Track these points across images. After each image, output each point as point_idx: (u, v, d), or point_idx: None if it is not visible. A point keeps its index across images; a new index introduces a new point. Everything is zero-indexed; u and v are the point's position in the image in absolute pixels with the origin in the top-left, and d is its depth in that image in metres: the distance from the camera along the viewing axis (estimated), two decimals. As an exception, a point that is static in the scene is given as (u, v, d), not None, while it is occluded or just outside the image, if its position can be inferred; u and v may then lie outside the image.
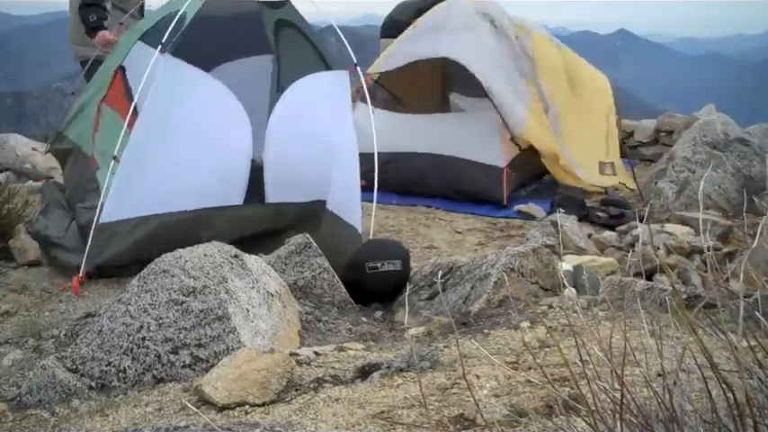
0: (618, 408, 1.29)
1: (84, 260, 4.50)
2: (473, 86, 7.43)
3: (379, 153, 7.08)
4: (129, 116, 4.77)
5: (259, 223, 4.77)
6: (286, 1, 5.37)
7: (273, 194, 4.90)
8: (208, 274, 3.16)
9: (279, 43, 5.53)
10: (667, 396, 1.30)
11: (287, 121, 4.95)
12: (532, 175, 7.44)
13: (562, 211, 5.76)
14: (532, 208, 6.60)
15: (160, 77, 4.73)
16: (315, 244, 4.11)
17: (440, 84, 8.29)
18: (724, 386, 1.22)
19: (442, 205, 6.84)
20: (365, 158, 6.85)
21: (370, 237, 5.09)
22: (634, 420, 1.30)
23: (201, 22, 5.16)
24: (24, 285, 4.60)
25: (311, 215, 4.89)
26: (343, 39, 5.61)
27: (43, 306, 4.31)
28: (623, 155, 8.82)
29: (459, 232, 6.16)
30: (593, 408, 1.31)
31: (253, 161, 4.92)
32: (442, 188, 6.94)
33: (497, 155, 6.79)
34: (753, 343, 1.34)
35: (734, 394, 1.20)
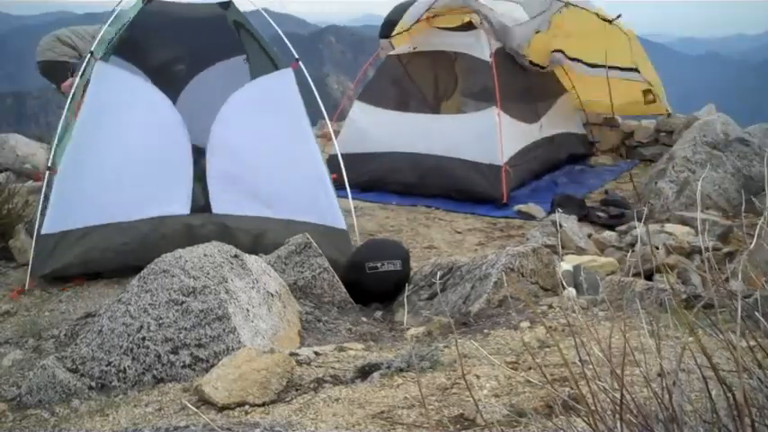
0: (618, 408, 1.29)
1: (29, 271, 4.46)
2: (475, 85, 7.46)
3: (380, 153, 7.14)
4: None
5: (208, 234, 4.64)
6: (230, 2, 5.34)
7: (218, 205, 4.84)
8: (208, 274, 3.16)
9: (243, 43, 5.53)
10: (667, 396, 1.30)
11: (228, 131, 4.89)
12: (531, 174, 7.45)
13: (562, 211, 5.75)
14: (532, 208, 6.60)
15: (93, 84, 4.68)
16: (314, 244, 4.11)
17: (450, 82, 8.32)
18: (724, 386, 1.22)
19: (442, 205, 6.84)
20: (366, 159, 6.89)
21: (356, 236, 5.07)
22: (634, 420, 1.30)
23: (156, 25, 5.07)
24: (24, 285, 4.60)
25: (264, 231, 4.84)
26: (280, 32, 5.52)
27: (43, 306, 4.31)
28: (625, 155, 8.84)
29: (459, 232, 6.16)
30: (592, 408, 1.31)
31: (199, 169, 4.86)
32: (441, 189, 6.96)
33: (495, 153, 6.80)
34: (752, 343, 1.34)
35: (733, 394, 1.20)
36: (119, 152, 4.69)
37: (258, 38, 5.31)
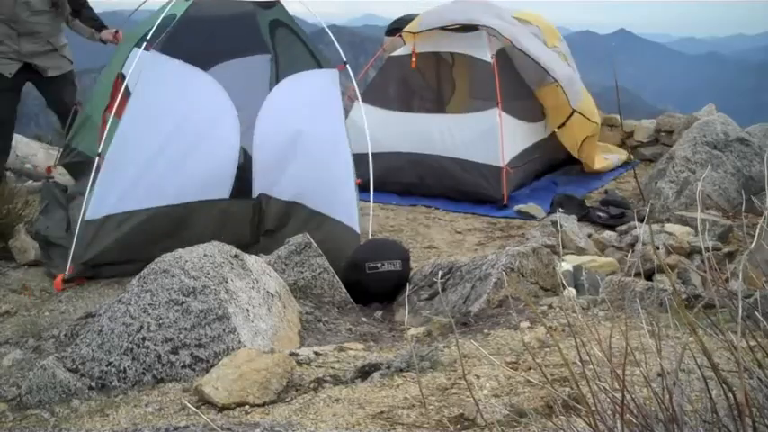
0: (618, 408, 1.29)
1: (71, 257, 4.48)
2: (477, 86, 7.47)
3: (380, 153, 7.14)
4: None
5: (244, 219, 4.78)
6: (277, 1, 5.39)
7: (260, 190, 4.92)
8: (208, 274, 3.16)
9: (275, 43, 5.54)
10: (667, 396, 1.30)
11: (275, 118, 4.97)
12: (532, 175, 7.45)
13: (562, 211, 5.75)
14: (532, 208, 6.60)
15: (146, 73, 4.72)
16: (315, 244, 4.11)
17: (450, 84, 8.36)
18: (724, 386, 1.22)
19: (442, 205, 6.85)
20: (367, 159, 6.88)
21: (369, 237, 5.08)
22: (634, 420, 1.30)
23: (195, 22, 5.13)
24: (24, 285, 4.60)
25: (289, 214, 4.92)
26: (332, 38, 5.62)
27: (43, 306, 4.31)
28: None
29: (459, 232, 6.16)
30: (593, 408, 1.31)
31: (245, 155, 4.94)
32: (442, 189, 6.97)
33: (496, 154, 6.81)
34: (752, 343, 1.34)
35: (734, 394, 1.20)
36: (166, 139, 4.73)
37: (302, 37, 5.35)
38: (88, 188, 4.57)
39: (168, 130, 4.75)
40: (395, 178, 7.11)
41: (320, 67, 5.19)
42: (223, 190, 4.84)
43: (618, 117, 9.00)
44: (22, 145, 8.18)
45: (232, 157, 4.86)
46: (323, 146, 5.05)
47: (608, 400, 1.36)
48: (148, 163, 4.68)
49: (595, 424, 1.30)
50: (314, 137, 5.03)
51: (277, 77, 5.38)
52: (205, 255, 3.29)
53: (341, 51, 5.42)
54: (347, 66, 5.29)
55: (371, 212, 5.26)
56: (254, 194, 4.93)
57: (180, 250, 3.33)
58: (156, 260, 3.29)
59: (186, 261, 3.21)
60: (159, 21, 4.99)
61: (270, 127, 4.96)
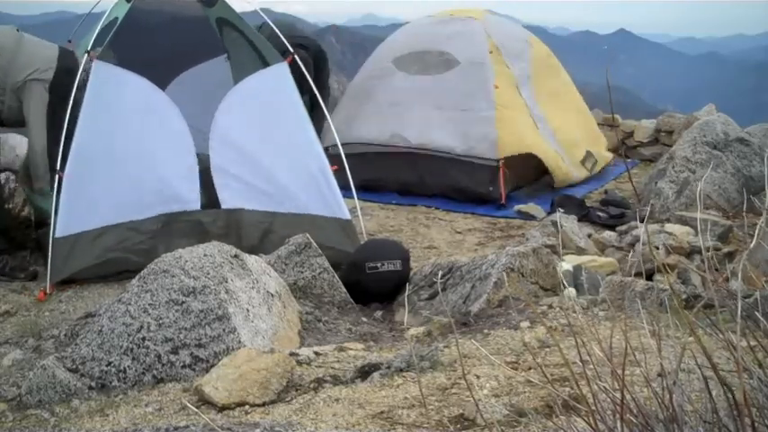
0: (618, 408, 1.29)
1: (48, 275, 4.44)
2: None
3: (380, 154, 7.14)
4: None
5: (218, 230, 4.72)
6: None
7: (227, 201, 4.87)
8: (208, 274, 3.16)
9: (225, 42, 5.51)
10: (667, 396, 1.30)
11: (229, 126, 4.92)
12: (531, 175, 7.44)
13: (562, 211, 5.75)
14: (532, 208, 6.60)
15: (93, 83, 4.65)
16: (315, 244, 4.11)
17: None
18: (724, 386, 1.22)
19: (442, 205, 6.84)
20: (366, 159, 6.88)
21: (364, 236, 5.07)
22: (634, 420, 1.30)
23: (142, 26, 5.05)
24: (24, 285, 4.60)
25: (270, 224, 4.88)
26: (273, 26, 5.53)
27: (43, 306, 4.31)
28: (625, 155, 8.83)
29: (459, 232, 6.16)
30: (593, 408, 1.31)
31: (202, 164, 4.88)
32: (440, 188, 6.96)
33: (493, 152, 6.80)
34: (752, 343, 1.34)
35: (733, 394, 1.20)
36: (124, 150, 4.69)
37: (247, 33, 5.29)
38: (53, 206, 4.50)
39: (123, 142, 4.69)
40: (393, 177, 7.10)
41: (267, 64, 5.11)
42: (193, 201, 4.79)
43: (618, 117, 8.99)
44: (22, 145, 8.16)
45: (192, 166, 4.80)
46: (289, 144, 5.01)
47: (608, 400, 1.36)
48: (111, 176, 4.63)
49: (595, 424, 1.30)
50: (277, 138, 4.98)
51: (234, 78, 5.34)
52: (205, 255, 3.29)
53: (286, 43, 5.33)
54: (295, 57, 5.22)
55: (359, 212, 5.24)
56: (223, 205, 4.85)
57: (180, 250, 3.33)
58: (156, 260, 3.29)
59: (186, 261, 3.21)
60: (99, 27, 4.91)
61: (224, 137, 4.90)
